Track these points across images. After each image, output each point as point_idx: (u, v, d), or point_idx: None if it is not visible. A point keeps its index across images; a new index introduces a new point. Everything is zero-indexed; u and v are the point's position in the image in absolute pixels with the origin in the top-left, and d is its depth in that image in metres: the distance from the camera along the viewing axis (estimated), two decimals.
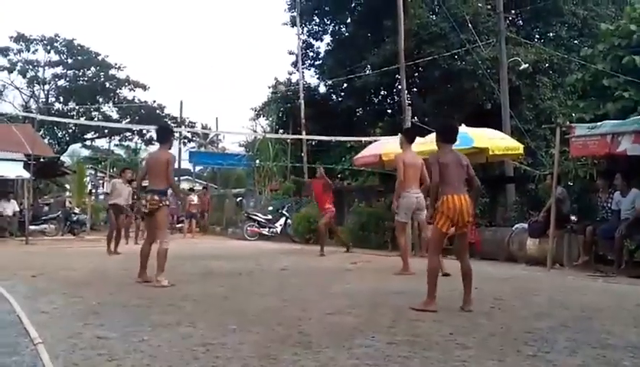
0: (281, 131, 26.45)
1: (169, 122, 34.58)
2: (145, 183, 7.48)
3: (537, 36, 25.49)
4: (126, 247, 12.56)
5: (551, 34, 25.22)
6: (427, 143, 10.32)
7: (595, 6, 24.04)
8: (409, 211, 8.26)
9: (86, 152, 40.91)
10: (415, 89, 24.80)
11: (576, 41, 24.12)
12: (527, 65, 19.74)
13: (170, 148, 7.61)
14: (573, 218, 10.54)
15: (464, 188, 5.49)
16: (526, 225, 11.11)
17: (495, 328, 4.62)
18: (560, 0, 23.07)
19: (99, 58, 39.01)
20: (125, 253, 11.20)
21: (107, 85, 39.49)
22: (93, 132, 40.02)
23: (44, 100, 38.46)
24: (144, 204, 7.05)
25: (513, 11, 23.63)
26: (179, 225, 21.27)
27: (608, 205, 9.73)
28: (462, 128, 12.38)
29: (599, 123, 9.54)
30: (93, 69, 39.10)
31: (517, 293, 6.67)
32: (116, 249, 11.93)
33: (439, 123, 7.49)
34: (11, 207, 18.30)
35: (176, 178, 28.69)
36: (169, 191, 7.41)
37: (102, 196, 34.00)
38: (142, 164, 15.16)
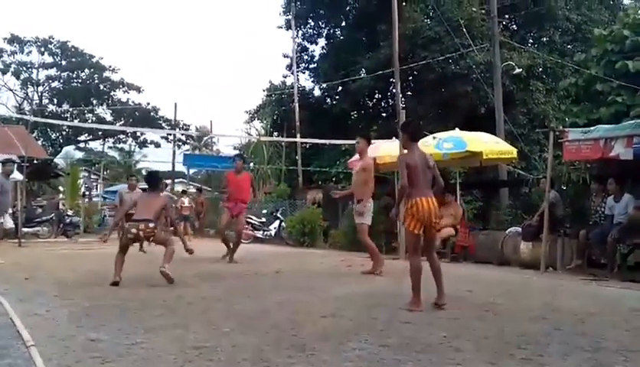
0: (275, 134, 26.47)
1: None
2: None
3: (530, 40, 25.65)
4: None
5: (545, 39, 25.37)
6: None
7: (588, 11, 24.21)
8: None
9: (79, 154, 40.88)
10: (409, 93, 24.89)
11: (569, 46, 24.30)
12: (520, 69, 19.86)
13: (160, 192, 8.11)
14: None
15: (430, 190, 5.68)
16: (519, 229, 11.15)
17: (488, 331, 4.63)
18: (554, 5, 23.19)
19: (94, 60, 38.96)
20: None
21: (101, 87, 39.44)
22: (86, 134, 39.93)
23: (37, 102, 38.37)
24: (134, 232, 7.37)
25: (507, 16, 23.79)
26: (171, 228, 21.21)
27: (602, 209, 9.78)
28: (456, 132, 12.49)
29: (592, 127, 9.60)
30: (87, 71, 39.04)
31: (511, 296, 6.69)
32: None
33: (406, 121, 7.65)
34: None
35: (169, 181, 28.72)
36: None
37: (96, 199, 33.90)
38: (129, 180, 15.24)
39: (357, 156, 14.76)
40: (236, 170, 11.08)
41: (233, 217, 10.85)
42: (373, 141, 14.39)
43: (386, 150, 12.90)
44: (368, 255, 8.94)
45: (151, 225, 7.37)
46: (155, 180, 8.39)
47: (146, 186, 8.64)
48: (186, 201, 21.03)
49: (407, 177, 5.57)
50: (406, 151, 5.93)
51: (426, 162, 5.70)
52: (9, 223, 10.78)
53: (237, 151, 27.85)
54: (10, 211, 11.28)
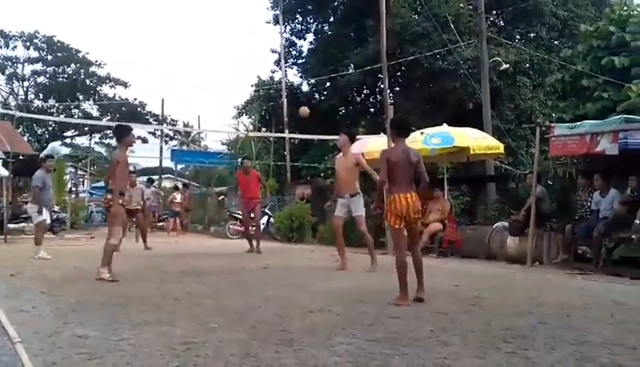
0: (264, 129, 26.40)
1: (150, 119, 34.18)
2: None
3: (517, 36, 25.74)
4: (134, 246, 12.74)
5: (532, 35, 25.49)
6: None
7: (575, 7, 24.33)
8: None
9: (66, 150, 40.48)
10: (397, 89, 24.92)
11: (556, 42, 24.43)
12: (507, 65, 19.93)
13: (126, 148, 7.83)
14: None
15: (412, 186, 5.69)
16: (506, 224, 11.22)
17: (475, 325, 4.65)
18: (541, 1, 23.30)
19: (80, 55, 38.65)
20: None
21: (87, 82, 39.14)
22: (73, 130, 39.66)
23: (23, 97, 38.01)
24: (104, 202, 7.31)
25: (494, 12, 23.89)
26: (160, 223, 21.13)
27: (588, 204, 9.86)
28: (444, 128, 12.54)
29: (578, 123, 9.67)
30: (73, 66, 38.70)
31: (497, 290, 6.73)
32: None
33: (393, 117, 7.71)
34: None
35: (156, 176, 28.58)
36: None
37: (82, 195, 33.66)
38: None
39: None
40: (244, 171, 12.12)
41: (250, 213, 12.02)
42: (361, 137, 14.46)
43: (374, 145, 12.92)
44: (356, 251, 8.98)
45: (109, 196, 7.27)
46: (118, 131, 7.93)
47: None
48: (178, 197, 20.99)
49: (387, 173, 5.66)
50: (393, 145, 5.96)
51: (409, 159, 5.69)
52: (48, 219, 10.89)
53: (225, 147, 27.79)
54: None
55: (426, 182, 5.90)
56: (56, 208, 21.59)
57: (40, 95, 39.04)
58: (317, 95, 27.95)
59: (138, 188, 13.29)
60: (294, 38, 28.80)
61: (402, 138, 5.90)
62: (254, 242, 11.66)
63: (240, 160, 13.96)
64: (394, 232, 5.75)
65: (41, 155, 14.42)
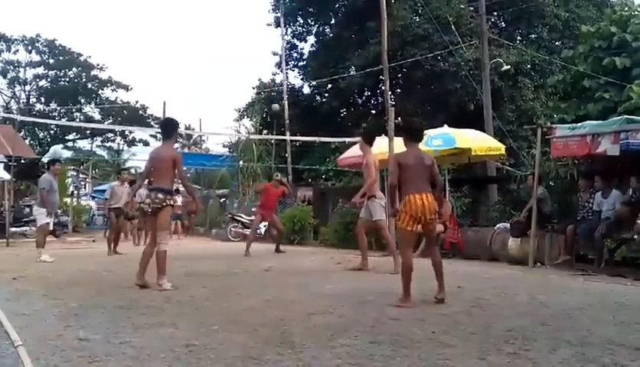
0: (265, 131, 26.40)
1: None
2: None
3: (518, 38, 25.75)
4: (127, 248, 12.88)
5: (533, 36, 25.50)
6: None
7: (576, 8, 24.34)
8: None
9: (67, 153, 40.49)
10: (398, 90, 24.94)
11: (557, 43, 24.43)
12: (509, 66, 19.94)
13: (174, 144, 7.51)
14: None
15: (427, 187, 5.62)
16: (508, 225, 11.21)
17: (477, 326, 4.65)
18: (542, 2, 23.31)
19: (81, 58, 38.59)
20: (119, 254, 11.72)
21: (89, 85, 39.07)
22: (74, 133, 39.59)
23: (25, 101, 38.00)
24: (147, 203, 6.64)
25: (495, 13, 23.90)
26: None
27: (590, 205, 9.84)
28: (445, 129, 12.53)
29: (579, 124, 9.66)
30: (74, 69, 38.66)
31: (499, 292, 6.72)
32: (116, 250, 12.33)
33: (405, 122, 7.66)
34: None
35: None
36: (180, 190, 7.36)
37: (84, 198, 33.69)
38: (124, 163, 15.43)
39: (346, 153, 14.86)
40: (275, 184, 13.32)
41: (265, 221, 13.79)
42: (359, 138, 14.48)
43: (376, 147, 12.91)
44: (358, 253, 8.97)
45: (160, 196, 6.59)
46: (168, 126, 7.27)
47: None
48: (179, 200, 20.98)
49: (399, 176, 5.58)
50: (405, 149, 5.88)
51: (423, 161, 5.67)
52: (51, 223, 10.96)
53: (226, 149, 27.78)
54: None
55: (441, 184, 5.88)
56: (58, 211, 21.69)
57: (42, 99, 39.01)
58: (318, 98, 27.98)
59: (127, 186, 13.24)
60: (295, 41, 28.87)
61: (414, 143, 5.85)
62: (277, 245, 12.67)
63: (274, 175, 14.89)
64: (405, 233, 5.63)
65: (46, 158, 14.45)
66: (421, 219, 5.51)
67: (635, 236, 8.80)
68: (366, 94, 27.00)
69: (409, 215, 5.49)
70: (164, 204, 6.64)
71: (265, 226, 18.47)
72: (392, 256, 8.59)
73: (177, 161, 6.79)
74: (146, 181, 7.65)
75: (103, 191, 24.01)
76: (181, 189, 24.25)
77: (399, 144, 9.43)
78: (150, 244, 6.84)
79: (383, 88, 19.80)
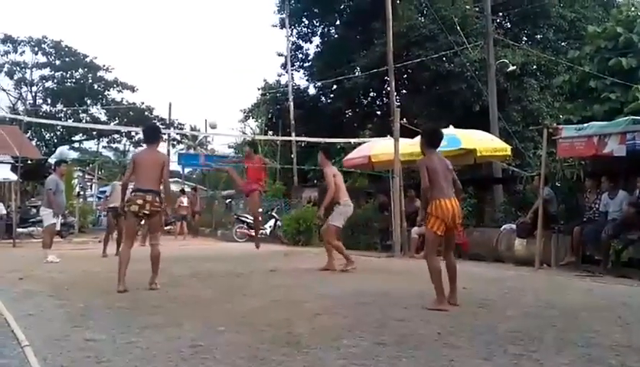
0: (270, 132, 26.45)
1: (157, 123, 34.28)
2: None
3: (524, 38, 25.69)
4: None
5: (539, 36, 25.42)
6: (415, 145, 10.45)
7: (582, 9, 24.24)
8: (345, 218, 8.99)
9: (74, 154, 40.66)
10: (404, 91, 24.93)
11: (563, 43, 24.34)
12: (514, 67, 19.89)
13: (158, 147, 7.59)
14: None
15: (452, 191, 5.66)
16: (514, 226, 11.17)
17: (483, 327, 4.64)
18: (548, 3, 23.24)
19: (87, 60, 38.74)
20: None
21: (95, 86, 39.20)
22: (81, 134, 39.71)
23: (31, 102, 38.14)
24: (141, 204, 6.56)
25: (501, 14, 23.84)
26: (167, 227, 21.18)
27: (596, 206, 9.80)
28: (451, 130, 12.51)
29: (585, 124, 9.63)
30: (80, 70, 38.80)
31: (505, 293, 6.71)
32: (118, 250, 12.02)
33: (424, 127, 7.64)
34: None
35: None
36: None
37: (90, 199, 33.76)
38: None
39: (352, 154, 14.87)
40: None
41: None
42: (368, 139, 14.48)
43: (381, 148, 12.94)
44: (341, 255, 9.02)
45: (158, 199, 6.71)
46: (152, 132, 7.42)
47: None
48: (184, 201, 21.00)
49: (428, 179, 5.58)
50: (426, 155, 5.89)
51: (446, 165, 5.75)
52: (57, 224, 10.97)
53: (232, 150, 27.82)
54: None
55: (461, 188, 5.90)
56: (65, 212, 21.75)
57: (49, 100, 39.15)
58: (323, 98, 28.01)
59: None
60: (300, 41, 28.89)
61: (433, 149, 5.89)
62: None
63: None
64: (432, 236, 5.63)
65: (53, 160, 14.49)
66: (448, 223, 5.55)
67: None
68: (371, 95, 27.00)
69: (440, 219, 5.53)
70: (161, 208, 6.83)
71: (270, 227, 18.55)
72: (328, 253, 8.96)
73: (166, 165, 6.98)
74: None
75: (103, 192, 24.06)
76: (187, 189, 24.49)
77: (403, 145, 9.50)
78: (127, 246, 6.85)
79: (388, 89, 19.83)
